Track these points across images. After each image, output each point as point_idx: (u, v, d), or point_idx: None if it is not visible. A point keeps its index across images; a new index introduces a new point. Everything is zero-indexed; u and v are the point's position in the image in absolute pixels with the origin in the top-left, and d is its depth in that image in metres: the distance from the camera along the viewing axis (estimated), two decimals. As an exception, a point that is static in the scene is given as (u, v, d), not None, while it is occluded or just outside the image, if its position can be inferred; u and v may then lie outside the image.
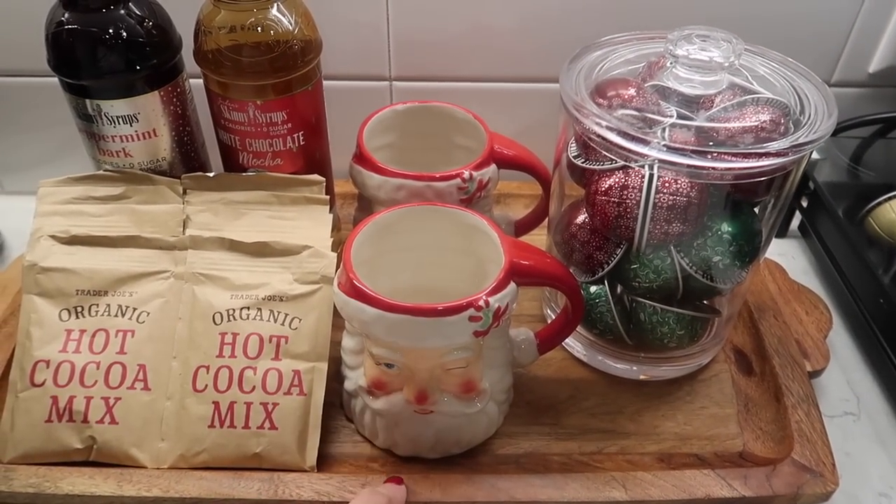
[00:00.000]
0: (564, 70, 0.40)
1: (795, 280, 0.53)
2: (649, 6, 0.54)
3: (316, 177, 0.46)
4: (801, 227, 0.61)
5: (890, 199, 0.53)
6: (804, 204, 0.59)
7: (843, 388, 0.48)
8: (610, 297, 0.43)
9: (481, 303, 0.36)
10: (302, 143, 0.46)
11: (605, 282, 0.44)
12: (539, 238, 0.50)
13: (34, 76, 0.56)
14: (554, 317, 0.49)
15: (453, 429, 0.41)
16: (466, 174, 0.44)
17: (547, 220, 0.49)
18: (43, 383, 0.41)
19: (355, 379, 0.41)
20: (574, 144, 0.42)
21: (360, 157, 0.46)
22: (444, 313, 0.35)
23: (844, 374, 0.49)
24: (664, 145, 0.35)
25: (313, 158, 0.47)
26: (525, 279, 0.39)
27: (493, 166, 0.47)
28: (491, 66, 0.56)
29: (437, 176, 0.44)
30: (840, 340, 0.52)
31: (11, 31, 0.53)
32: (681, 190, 0.38)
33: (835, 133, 0.61)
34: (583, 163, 0.41)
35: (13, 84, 0.57)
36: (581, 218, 0.43)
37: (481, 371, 0.39)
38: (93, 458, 0.41)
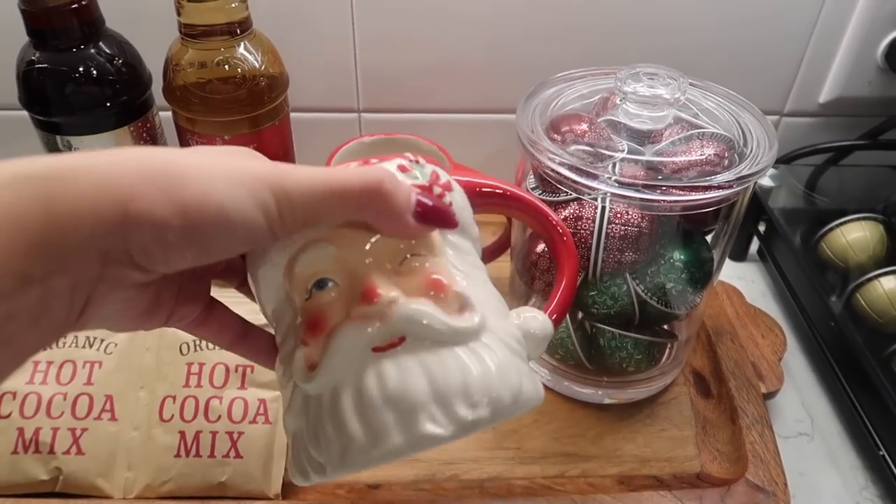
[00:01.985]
0: (520, 107, 0.42)
1: (753, 304, 0.55)
2: (608, 41, 0.56)
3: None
4: (760, 251, 0.63)
5: (841, 224, 0.55)
6: (761, 229, 0.61)
7: (797, 410, 0.50)
8: (570, 324, 0.45)
9: (410, 157, 0.27)
10: (269, 175, 0.47)
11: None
12: (504, 265, 0.51)
13: (5, 109, 0.57)
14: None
15: (451, 370, 0.23)
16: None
17: (511, 248, 0.50)
18: (9, 415, 0.41)
19: (286, 349, 0.26)
20: (532, 176, 0.43)
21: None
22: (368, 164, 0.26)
23: (799, 396, 0.51)
24: (614, 180, 0.37)
25: (281, 190, 0.49)
26: (477, 196, 0.30)
27: (456, 197, 0.48)
28: (456, 97, 0.58)
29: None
30: (795, 362, 0.53)
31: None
32: (632, 220, 0.39)
33: (789, 161, 0.63)
34: (540, 194, 0.42)
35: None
36: (541, 247, 0.45)
37: (448, 270, 0.25)
38: (59, 490, 0.41)
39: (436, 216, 0.24)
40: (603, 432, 0.46)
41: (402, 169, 0.26)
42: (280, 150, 0.47)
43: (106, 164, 0.20)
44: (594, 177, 0.37)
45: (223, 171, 0.21)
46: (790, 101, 0.61)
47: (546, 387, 0.49)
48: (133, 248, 0.20)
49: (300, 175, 0.22)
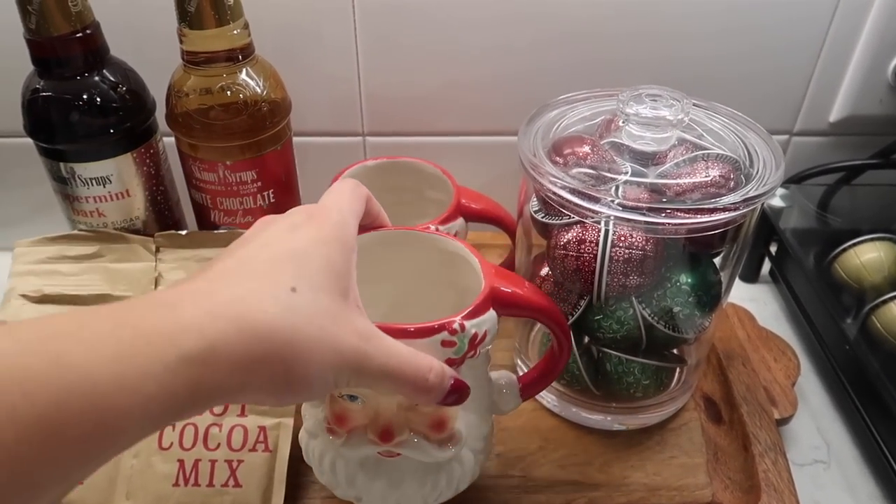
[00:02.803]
0: (522, 130, 0.41)
1: (764, 326, 0.54)
2: (611, 62, 0.56)
3: (286, 233, 0.47)
4: (772, 272, 0.61)
5: (855, 245, 0.54)
6: (772, 250, 0.60)
7: (813, 436, 0.49)
8: (575, 349, 0.44)
9: (456, 326, 0.32)
10: (272, 200, 0.47)
11: (571, 332, 0.44)
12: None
13: (11, 136, 0.57)
14: (526, 369, 0.49)
15: (420, 477, 0.37)
16: (432, 228, 0.45)
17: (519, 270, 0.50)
18: None
19: (315, 414, 0.37)
20: (535, 199, 0.43)
21: (329, 214, 0.47)
22: (413, 335, 0.32)
23: (814, 421, 0.50)
24: (617, 203, 0.36)
25: (284, 215, 0.49)
26: (507, 308, 0.36)
27: (460, 219, 0.48)
28: (460, 120, 0.58)
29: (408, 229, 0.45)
30: (809, 387, 0.52)
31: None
32: (636, 244, 0.39)
33: (799, 181, 0.62)
34: (543, 217, 0.42)
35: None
36: (545, 270, 0.44)
37: (456, 410, 0.35)
38: (58, 519, 0.40)
39: (456, 397, 0.32)
40: (611, 460, 0.45)
41: (447, 344, 0.33)
42: (282, 174, 0.47)
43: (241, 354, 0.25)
44: (596, 200, 0.36)
45: (321, 354, 0.26)
46: (800, 120, 0.60)
47: (552, 413, 0.48)
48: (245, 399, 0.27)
49: (376, 364, 0.28)
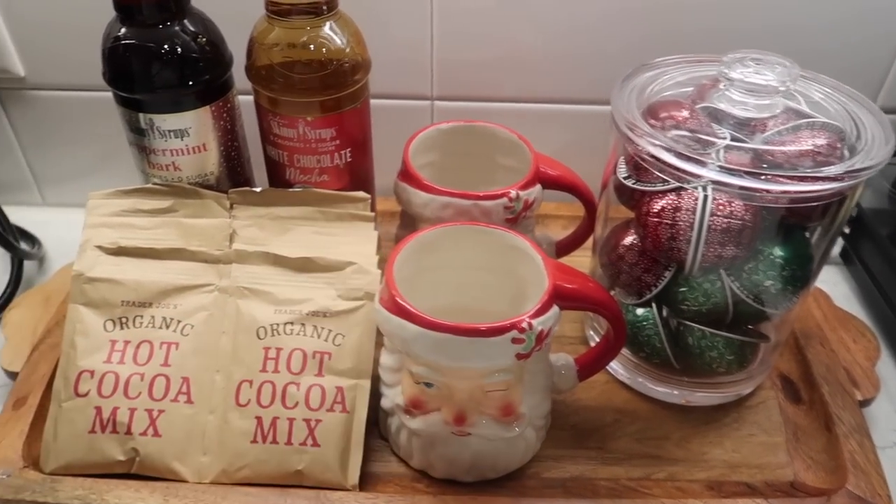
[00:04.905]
0: (617, 89, 0.40)
1: (840, 307, 0.52)
2: (691, 33, 0.54)
3: (361, 194, 0.46)
4: (843, 253, 0.60)
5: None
6: (846, 230, 0.58)
7: (892, 419, 0.47)
8: (658, 321, 0.43)
9: (524, 325, 0.35)
10: (349, 159, 0.46)
11: (653, 304, 0.43)
12: (579, 260, 0.49)
13: (77, 90, 0.57)
14: (597, 339, 0.48)
15: (490, 453, 0.40)
16: (513, 193, 0.44)
17: (592, 241, 0.49)
18: (87, 393, 0.41)
19: (392, 397, 0.41)
20: (623, 165, 0.42)
21: (406, 175, 0.46)
22: (486, 333, 0.35)
23: (893, 404, 0.48)
24: (719, 166, 0.35)
25: (359, 175, 0.48)
26: (568, 303, 0.39)
27: (538, 186, 0.47)
28: (530, 86, 0.57)
29: (484, 195, 0.44)
30: (888, 370, 0.51)
31: (56, 45, 0.54)
32: (735, 213, 0.37)
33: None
34: (633, 184, 0.40)
35: (57, 98, 0.57)
36: (629, 239, 0.43)
37: (521, 395, 0.39)
38: (134, 471, 0.40)
39: None
40: (688, 435, 0.44)
41: (517, 342, 0.35)
42: (360, 134, 0.46)
43: None
44: (700, 163, 0.35)
45: None
46: (881, 96, 0.58)
47: (624, 385, 0.47)
48: None
49: None
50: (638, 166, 0.40)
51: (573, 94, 0.57)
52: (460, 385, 0.37)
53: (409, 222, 0.49)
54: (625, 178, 0.41)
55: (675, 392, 0.45)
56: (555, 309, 0.37)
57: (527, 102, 0.57)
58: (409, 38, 0.54)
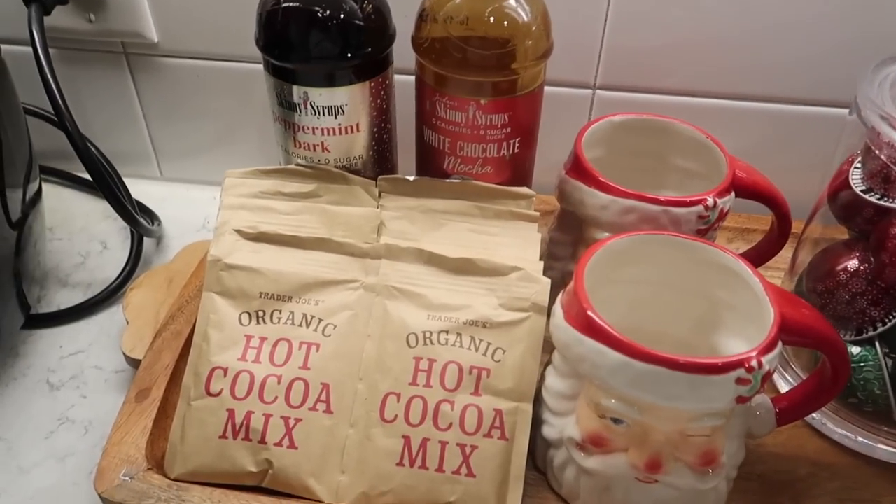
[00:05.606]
0: (866, 78, 0.33)
1: None
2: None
3: (527, 190, 0.40)
4: None
5: None
6: None
7: None
8: (884, 363, 0.36)
9: (753, 363, 0.30)
10: (516, 150, 0.41)
11: (877, 343, 0.36)
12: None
13: (210, 59, 0.53)
14: (785, 383, 0.42)
15: (675, 503, 0.34)
16: (710, 201, 0.38)
17: (791, 264, 0.42)
18: (219, 393, 0.37)
19: (561, 427, 0.35)
20: (860, 176, 0.35)
21: (580, 171, 0.40)
22: (709, 370, 0.29)
23: None
24: None
25: (522, 169, 0.42)
26: (791, 337, 0.32)
27: (732, 194, 0.40)
28: (707, 78, 0.50)
29: (677, 200, 0.38)
30: None
31: (193, 10, 0.51)
32: None
33: None
34: (879, 199, 0.33)
35: (188, 66, 0.54)
36: (853, 264, 0.36)
37: (724, 441, 0.33)
38: (265, 484, 0.36)
39: None
40: (903, 502, 0.37)
41: (742, 382, 0.30)
42: (530, 122, 0.41)
43: None
44: None
45: None
46: None
47: (818, 433, 0.40)
48: None
49: None
50: (888, 178, 0.33)
51: (758, 90, 0.50)
52: (659, 426, 0.31)
53: (571, 226, 0.43)
54: (863, 191, 0.34)
55: (887, 448, 0.38)
56: (780, 345, 0.31)
57: (701, 97, 0.50)
58: (580, 19, 0.48)
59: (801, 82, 0.49)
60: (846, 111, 0.37)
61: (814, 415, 0.40)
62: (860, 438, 0.38)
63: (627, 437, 0.32)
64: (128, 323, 0.46)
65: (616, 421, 0.32)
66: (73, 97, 0.48)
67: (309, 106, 0.39)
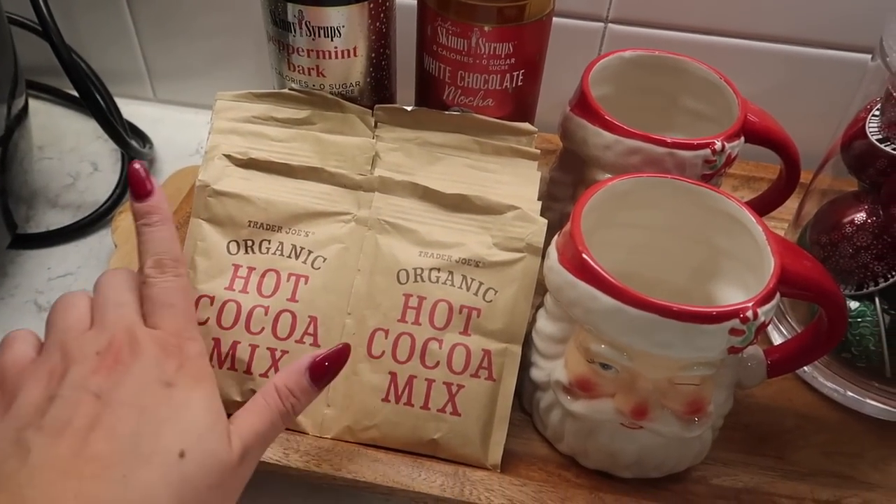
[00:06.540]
0: (894, 22, 0.31)
1: None
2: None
3: (528, 126, 0.39)
4: None
5: None
6: None
7: None
8: (881, 319, 0.35)
9: (749, 314, 0.29)
10: (519, 83, 0.39)
11: (876, 299, 0.35)
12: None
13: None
14: (779, 335, 0.41)
15: (659, 450, 0.34)
16: (718, 144, 0.37)
17: (796, 215, 0.41)
18: (206, 321, 0.36)
19: (549, 370, 0.35)
20: (877, 125, 0.33)
21: (585, 109, 0.39)
22: (703, 319, 0.29)
23: None
24: None
25: (524, 104, 0.41)
26: (789, 289, 0.31)
27: (741, 139, 0.38)
28: (723, 17, 0.47)
29: (683, 143, 0.36)
30: None
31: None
32: None
33: None
34: (895, 149, 0.32)
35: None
36: (861, 216, 0.35)
37: (712, 391, 0.32)
38: (250, 413, 0.36)
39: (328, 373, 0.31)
40: (888, 456, 0.37)
41: (735, 333, 0.29)
42: (536, 54, 0.39)
43: None
44: None
45: None
46: None
47: (809, 386, 0.40)
48: None
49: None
50: (906, 129, 0.31)
51: (785, 31, 0.47)
52: (648, 373, 0.31)
53: (573, 166, 0.42)
54: (880, 140, 0.33)
55: (875, 404, 0.38)
56: (777, 296, 0.30)
57: (717, 35, 0.48)
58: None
59: (822, 24, 0.46)
60: (868, 56, 0.35)
61: (805, 368, 0.40)
62: (850, 393, 0.38)
63: (615, 383, 0.32)
64: (116, 247, 0.45)
65: (605, 366, 0.32)
66: (62, 11, 0.46)
67: (304, 26, 0.37)
